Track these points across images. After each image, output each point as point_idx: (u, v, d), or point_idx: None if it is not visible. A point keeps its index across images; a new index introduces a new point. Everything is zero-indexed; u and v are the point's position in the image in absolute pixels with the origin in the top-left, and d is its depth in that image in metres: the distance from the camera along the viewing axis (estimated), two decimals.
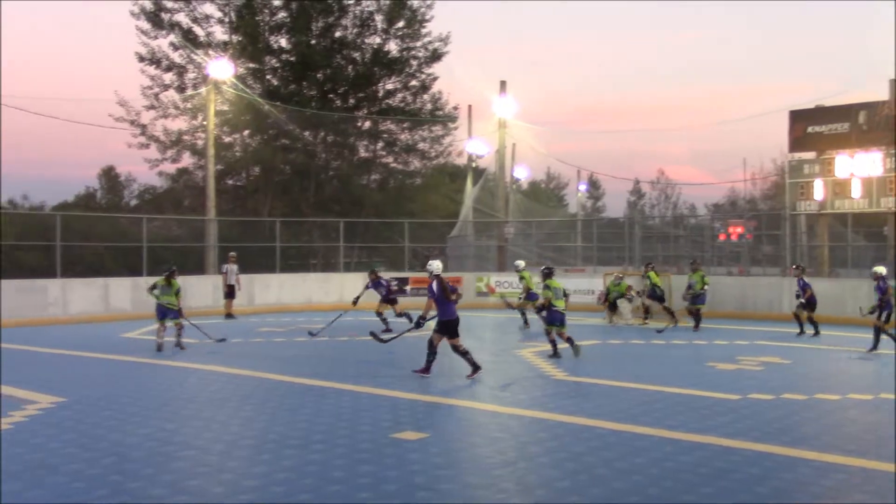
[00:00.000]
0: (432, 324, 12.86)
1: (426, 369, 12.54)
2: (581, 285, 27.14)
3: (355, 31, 40.62)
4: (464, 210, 36.19)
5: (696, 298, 20.19)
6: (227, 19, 39.14)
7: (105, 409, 10.07)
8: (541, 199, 69.02)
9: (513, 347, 16.38)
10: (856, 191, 23.34)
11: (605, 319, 22.09)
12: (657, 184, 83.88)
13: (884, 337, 15.35)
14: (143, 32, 38.15)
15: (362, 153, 43.11)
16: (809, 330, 18.63)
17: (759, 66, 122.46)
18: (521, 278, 20.89)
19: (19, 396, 10.83)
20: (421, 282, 28.27)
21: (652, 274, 21.38)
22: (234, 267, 23.54)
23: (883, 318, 15.44)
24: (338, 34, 40.45)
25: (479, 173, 39.36)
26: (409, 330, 14.17)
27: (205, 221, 28.95)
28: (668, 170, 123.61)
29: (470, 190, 36.96)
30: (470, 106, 40.07)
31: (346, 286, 26.09)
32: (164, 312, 15.70)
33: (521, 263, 21.57)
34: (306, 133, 40.38)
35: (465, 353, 12.53)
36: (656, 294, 21.24)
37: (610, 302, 22.03)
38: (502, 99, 32.60)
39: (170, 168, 40.54)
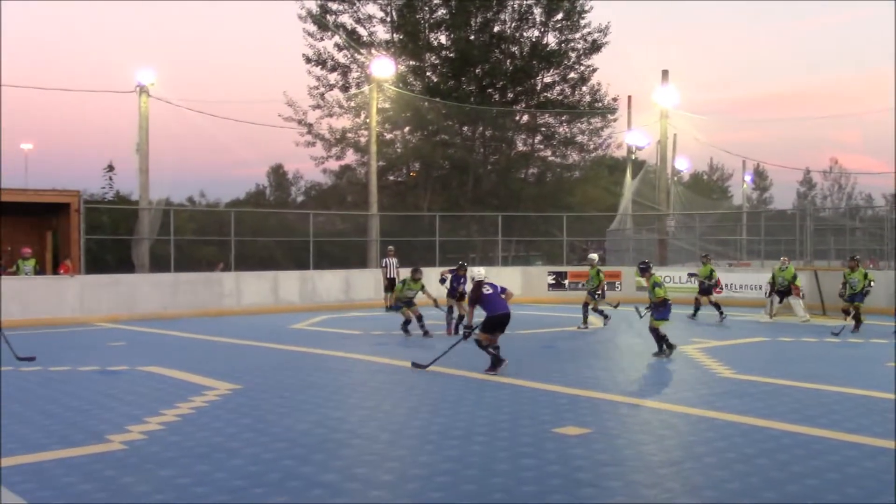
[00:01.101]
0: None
1: (493, 367, 12.18)
2: (747, 280, 26.16)
3: (514, 24, 40.73)
4: (623, 203, 35.57)
5: (854, 296, 18.73)
6: (388, 18, 40.13)
7: (277, 396, 10.52)
8: (703, 191, 66.99)
9: (675, 343, 15.93)
10: None
11: (765, 313, 20.94)
12: (830, 173, 79.80)
13: None
14: (310, 34, 39.70)
15: (520, 147, 43.20)
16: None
17: None
18: (598, 272, 19.78)
19: (200, 383, 11.49)
20: (579, 276, 28.01)
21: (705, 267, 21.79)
22: (394, 260, 24.08)
23: None
24: (496, 29, 40.66)
25: (638, 165, 38.62)
26: (456, 344, 13.20)
27: (367, 216, 29.78)
28: (841, 158, 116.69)
29: (629, 182, 36.30)
30: (630, 97, 39.40)
31: (504, 279, 26.16)
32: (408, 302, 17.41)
33: (594, 257, 20.90)
34: (465, 128, 40.82)
35: (496, 348, 12.26)
36: (704, 286, 21.50)
37: (776, 290, 20.68)
38: (664, 88, 31.79)
39: (334, 165, 42.09)
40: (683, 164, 49.92)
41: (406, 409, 9.88)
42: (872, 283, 19.03)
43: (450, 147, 40.82)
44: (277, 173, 67.71)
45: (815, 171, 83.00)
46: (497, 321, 12.21)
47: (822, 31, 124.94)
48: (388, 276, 23.83)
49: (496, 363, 12.17)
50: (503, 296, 12.39)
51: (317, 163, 41.55)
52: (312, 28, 39.57)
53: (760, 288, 25.07)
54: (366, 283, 25.57)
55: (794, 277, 20.43)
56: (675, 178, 44.31)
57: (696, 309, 21.77)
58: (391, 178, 42.27)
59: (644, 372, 12.92)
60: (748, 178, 68.54)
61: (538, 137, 42.67)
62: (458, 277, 18.41)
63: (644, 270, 14.43)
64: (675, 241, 33.06)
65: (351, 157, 41.23)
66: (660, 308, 13.87)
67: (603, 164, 47.08)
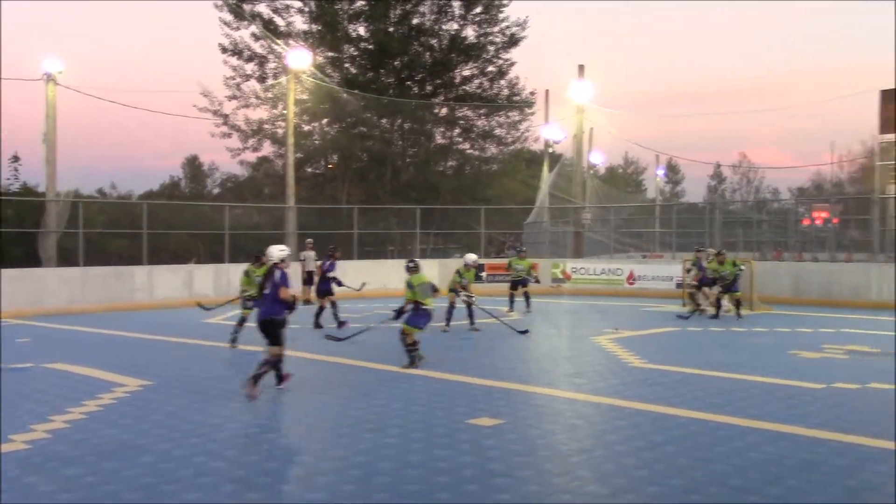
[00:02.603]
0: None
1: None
2: (660, 271, 26.78)
3: (433, 17, 40.69)
4: (540, 196, 36.00)
5: (728, 286, 19.24)
6: (306, 9, 39.66)
7: (189, 391, 10.33)
8: (618, 184, 68.25)
9: (589, 334, 16.22)
10: None
11: (687, 306, 21.10)
12: (739, 167, 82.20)
13: None
14: (226, 24, 38.95)
15: (439, 140, 43.27)
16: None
17: (847, 44, 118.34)
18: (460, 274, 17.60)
19: (109, 380, 11.20)
20: (497, 268, 28.28)
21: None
22: (312, 254, 23.86)
23: None
24: (415, 21, 40.58)
25: (555, 159, 39.12)
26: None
27: (284, 209, 29.44)
28: (750, 153, 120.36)
29: (546, 175, 36.75)
30: (547, 91, 39.90)
31: (423, 272, 26.20)
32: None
33: (471, 257, 18.36)
34: (383, 120, 40.67)
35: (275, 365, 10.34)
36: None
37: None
38: (580, 83, 32.24)
39: (251, 157, 41.46)
40: (599, 158, 50.78)
41: (320, 402, 9.82)
42: (742, 268, 19.63)
43: (368, 139, 40.63)
44: (192, 165, 66.46)
45: (725, 166, 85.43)
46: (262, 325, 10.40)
47: (731, 28, 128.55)
48: (307, 269, 23.59)
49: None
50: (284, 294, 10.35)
51: (233, 154, 40.92)
52: (228, 17, 38.88)
53: (672, 279, 25.72)
54: None
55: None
56: (591, 172, 45.01)
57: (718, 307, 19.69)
58: (309, 170, 41.82)
59: (559, 363, 13.11)
60: (661, 171, 70.19)
61: (457, 130, 42.80)
62: (333, 264, 18.07)
63: (411, 269, 12.88)
64: (591, 234, 33.61)
65: (268, 149, 40.69)
66: (415, 312, 12.34)
67: (520, 157, 47.50)
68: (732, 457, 7.26)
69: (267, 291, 10.27)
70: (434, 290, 12.71)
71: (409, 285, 12.41)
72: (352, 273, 26.39)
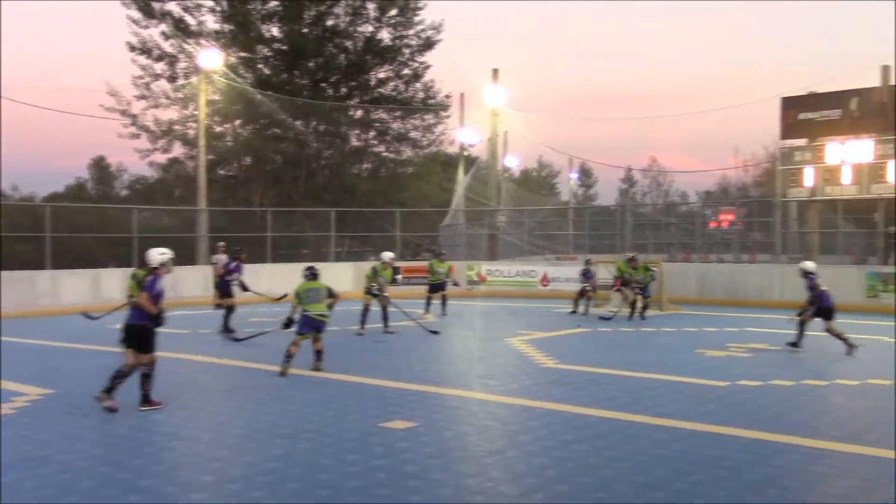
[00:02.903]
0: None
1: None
2: (573, 273, 27.15)
3: (347, 19, 40.50)
4: (455, 199, 36.18)
5: (643, 289, 19.64)
6: (218, 8, 39.00)
7: (94, 400, 10.01)
8: (533, 187, 69.10)
9: (502, 336, 16.37)
10: (846, 177, 23.43)
11: (618, 306, 21.16)
12: (649, 171, 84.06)
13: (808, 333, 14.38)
14: (134, 21, 38.02)
15: (354, 142, 43.10)
16: None
17: (751, 52, 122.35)
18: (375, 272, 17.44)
19: (9, 389, 10.79)
20: (412, 271, 28.29)
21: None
22: (223, 257, 23.43)
23: (809, 313, 14.23)
24: (330, 22, 40.33)
25: (470, 162, 39.36)
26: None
27: (195, 211, 28.87)
28: (659, 157, 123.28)
29: (462, 178, 36.95)
30: (462, 94, 40.01)
31: (338, 276, 26.04)
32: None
33: (388, 255, 18.11)
34: (298, 122, 40.27)
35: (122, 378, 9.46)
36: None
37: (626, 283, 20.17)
38: (494, 87, 32.53)
39: (161, 158, 40.55)
40: (514, 161, 51.35)
41: (231, 408, 9.67)
42: (654, 271, 20.17)
43: (282, 141, 40.17)
44: (99, 166, 64.58)
45: (636, 170, 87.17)
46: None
47: (642, 34, 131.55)
48: (218, 273, 23.08)
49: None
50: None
51: (142, 156, 39.92)
52: (137, 15, 37.94)
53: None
54: (194, 281, 24.76)
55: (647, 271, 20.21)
56: (506, 175, 45.51)
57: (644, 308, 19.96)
58: (221, 172, 41.10)
59: (473, 365, 13.19)
60: (574, 175, 71.34)
61: (372, 133, 42.69)
62: (238, 266, 17.71)
63: (306, 277, 12.57)
64: (506, 236, 33.92)
65: (179, 150, 39.83)
66: (301, 320, 12.14)
67: (436, 160, 47.66)
68: (640, 454, 7.43)
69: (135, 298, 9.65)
70: (331, 294, 12.36)
71: (297, 293, 12.25)
72: (266, 276, 26.19)
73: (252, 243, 28.37)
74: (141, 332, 9.50)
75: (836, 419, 9.13)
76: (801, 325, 14.34)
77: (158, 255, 9.91)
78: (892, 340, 15.66)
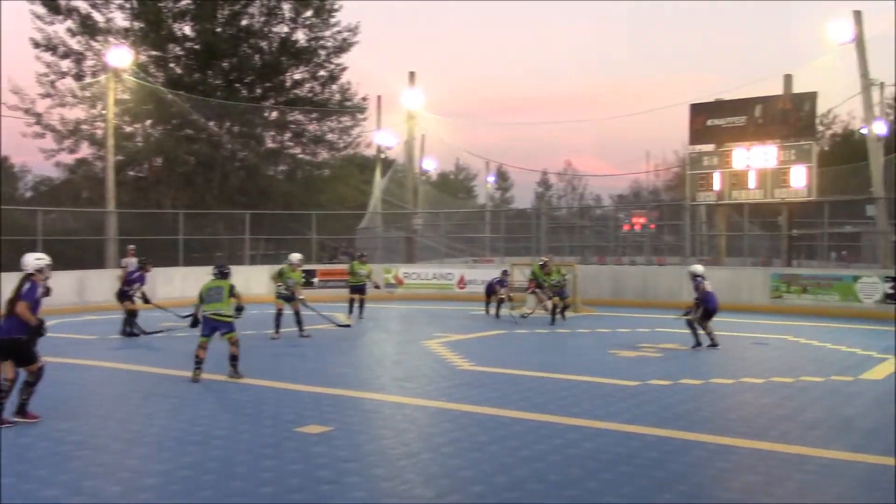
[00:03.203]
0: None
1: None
2: (490, 276, 27.36)
3: (262, 19, 40.01)
4: (372, 201, 36.10)
5: (560, 292, 19.76)
6: (127, 5, 38.03)
7: None
8: (450, 190, 69.39)
9: (419, 338, 16.40)
10: (752, 182, 24.20)
11: (526, 308, 21.16)
12: (564, 175, 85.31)
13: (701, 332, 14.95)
14: (38, 17, 36.78)
15: (269, 144, 42.57)
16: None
17: (663, 59, 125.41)
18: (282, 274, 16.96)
19: None
20: (330, 274, 28.12)
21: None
22: (134, 260, 22.81)
23: (699, 314, 14.87)
24: (244, 22, 39.77)
25: (388, 164, 39.29)
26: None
27: (104, 214, 28.09)
28: (574, 161, 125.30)
29: (379, 181, 36.87)
30: (379, 97, 39.83)
31: (252, 279, 25.70)
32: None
33: (295, 256, 17.40)
34: (211, 123, 39.56)
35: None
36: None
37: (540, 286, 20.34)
38: (411, 90, 32.57)
39: (67, 159, 39.24)
40: (431, 164, 51.41)
41: (142, 415, 9.44)
42: (566, 276, 20.39)
43: (195, 142, 39.38)
44: (2, 166, 62.17)
45: (552, 173, 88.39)
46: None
47: (557, 39, 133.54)
48: (121, 279, 22.33)
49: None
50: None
51: (47, 156, 38.55)
52: (41, 10, 36.72)
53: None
54: (102, 285, 24.06)
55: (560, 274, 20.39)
56: (423, 178, 45.58)
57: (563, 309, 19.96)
58: (131, 173, 40.04)
59: (389, 368, 13.18)
60: (491, 178, 71.88)
61: (288, 134, 42.25)
62: (142, 276, 17.40)
63: (215, 275, 12.37)
64: (423, 239, 34.01)
65: (86, 151, 38.62)
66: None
67: (353, 162, 47.46)
68: (553, 454, 7.54)
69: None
70: (232, 294, 11.87)
71: (199, 293, 12.05)
72: (178, 279, 25.67)
73: (164, 246, 27.76)
74: (17, 346, 8.72)
75: (742, 416, 9.42)
76: (692, 326, 14.98)
77: (35, 260, 9.20)
78: (796, 340, 16.24)
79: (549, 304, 19.56)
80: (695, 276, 15.26)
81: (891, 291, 20.87)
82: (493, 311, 20.90)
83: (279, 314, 16.79)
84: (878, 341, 15.85)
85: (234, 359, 11.74)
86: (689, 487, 6.65)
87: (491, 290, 21.31)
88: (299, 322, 16.68)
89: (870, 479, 6.93)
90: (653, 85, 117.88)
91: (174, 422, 8.95)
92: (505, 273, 21.97)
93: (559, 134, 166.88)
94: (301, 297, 16.75)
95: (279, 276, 16.88)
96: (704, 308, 14.80)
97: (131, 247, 23.45)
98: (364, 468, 7.18)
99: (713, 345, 14.78)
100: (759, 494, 6.50)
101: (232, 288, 11.90)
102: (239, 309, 11.88)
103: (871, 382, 11.43)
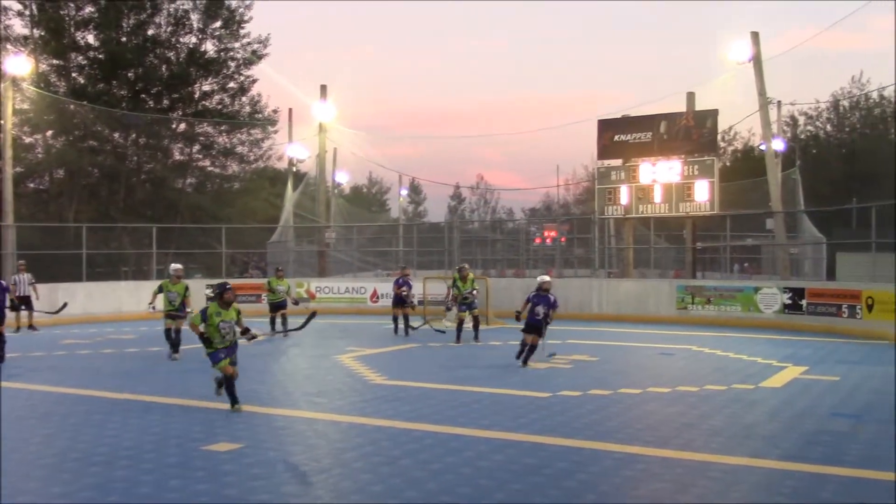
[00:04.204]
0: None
1: None
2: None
3: (169, 29, 39.30)
4: (284, 215, 35.67)
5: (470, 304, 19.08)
6: (27, 12, 36.83)
7: None
8: (363, 203, 69.23)
9: (332, 353, 16.27)
10: (657, 196, 24.83)
11: (446, 321, 21.00)
12: (477, 189, 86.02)
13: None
14: None
15: (177, 156, 41.75)
16: None
17: (574, 75, 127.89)
18: (185, 288, 16.02)
19: None
20: (240, 289, 27.67)
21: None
22: (25, 276, 21.96)
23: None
24: (150, 32, 38.99)
25: (299, 178, 38.94)
26: None
27: (1, 228, 27.03)
28: (487, 175, 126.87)
29: (290, 194, 36.47)
30: (290, 109, 39.61)
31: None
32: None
33: (174, 266, 16.56)
34: (116, 134, 38.58)
35: None
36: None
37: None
38: (322, 103, 32.40)
39: None
40: (343, 178, 51.20)
41: (41, 436, 9.09)
42: (477, 289, 20.07)
43: (99, 154, 38.34)
44: None
45: (464, 187, 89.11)
46: None
47: (470, 54, 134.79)
48: (19, 293, 21.34)
49: None
50: None
51: None
52: None
53: (415, 297, 26.40)
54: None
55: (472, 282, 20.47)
56: (336, 191, 45.33)
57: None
58: (31, 185, 38.74)
59: (301, 383, 13.04)
60: (404, 191, 71.96)
61: (196, 147, 41.54)
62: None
63: None
64: (335, 253, 33.79)
65: None
66: None
67: (264, 175, 46.93)
68: (463, 466, 7.57)
69: None
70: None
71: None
72: (81, 295, 24.87)
73: (66, 261, 26.89)
74: None
75: (649, 425, 9.63)
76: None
77: None
78: (700, 349, 16.71)
79: (468, 317, 18.84)
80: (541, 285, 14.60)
81: (789, 302, 21.67)
82: (402, 324, 20.02)
83: (168, 332, 15.54)
84: (777, 350, 16.44)
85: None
86: (598, 496, 6.76)
87: (399, 299, 20.31)
88: (178, 342, 15.44)
89: (769, 483, 7.17)
90: (564, 100, 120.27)
91: (75, 442, 8.65)
92: (404, 269, 21.51)
93: (472, 148, 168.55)
94: (189, 310, 15.48)
95: (160, 290, 15.84)
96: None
97: (21, 262, 22.57)
98: (274, 485, 7.08)
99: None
100: (665, 500, 6.65)
101: (238, 313, 10.67)
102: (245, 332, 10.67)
103: (771, 390, 11.84)
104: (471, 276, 19.54)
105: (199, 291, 27.17)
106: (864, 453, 8.06)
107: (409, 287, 20.51)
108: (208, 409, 10.42)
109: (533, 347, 14.17)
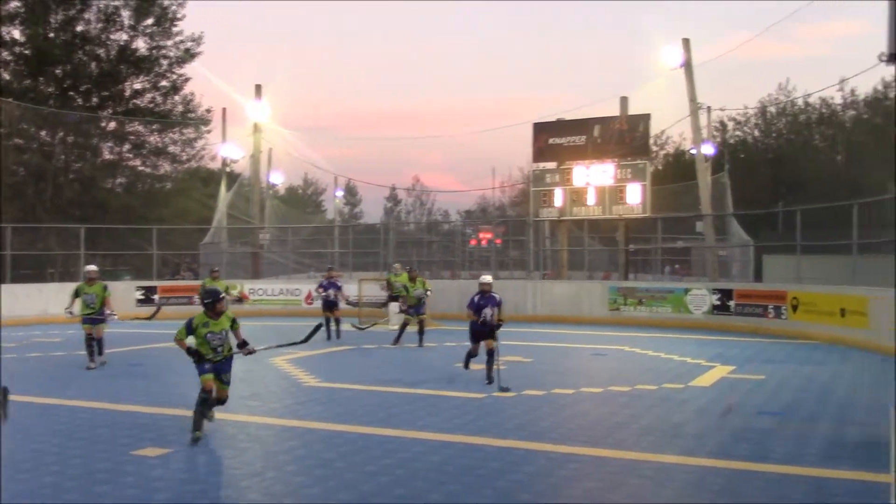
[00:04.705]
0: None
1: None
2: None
3: (99, 25, 38.41)
4: (217, 216, 35.16)
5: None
6: None
7: None
8: (298, 205, 68.55)
9: (265, 356, 16.08)
10: (591, 198, 25.16)
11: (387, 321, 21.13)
12: (413, 190, 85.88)
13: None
14: None
15: (107, 155, 40.82)
16: None
17: (510, 78, 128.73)
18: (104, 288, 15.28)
19: None
20: (171, 291, 27.24)
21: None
22: None
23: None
24: (80, 28, 38.05)
25: (233, 178, 38.45)
26: None
27: None
28: (423, 177, 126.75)
29: (224, 195, 35.95)
30: (224, 109, 39.11)
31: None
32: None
33: (89, 269, 15.85)
34: (43, 132, 37.56)
35: None
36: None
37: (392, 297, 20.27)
38: (257, 103, 32.06)
39: None
40: (279, 178, 50.61)
41: None
42: (429, 292, 19.90)
43: (25, 152, 37.28)
44: None
45: (400, 189, 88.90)
46: None
47: (407, 56, 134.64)
48: None
49: None
50: None
51: None
52: None
53: (349, 298, 26.34)
54: None
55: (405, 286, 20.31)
56: (270, 192, 44.86)
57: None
58: None
59: (234, 386, 12.80)
60: (339, 193, 71.57)
61: (127, 146, 40.70)
62: None
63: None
64: (270, 254, 33.43)
65: None
66: None
67: (197, 175, 46.19)
68: (398, 468, 7.56)
69: None
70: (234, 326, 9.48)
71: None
72: (5, 298, 24.09)
73: None
74: None
75: (582, 425, 9.75)
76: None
77: None
78: (632, 350, 16.97)
79: (415, 321, 18.39)
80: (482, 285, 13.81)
81: (718, 303, 22.15)
82: (334, 326, 19.45)
83: (89, 339, 14.75)
84: (706, 350, 16.79)
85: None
86: (532, 496, 6.82)
87: (327, 303, 19.72)
88: (98, 350, 14.77)
89: (698, 480, 7.32)
90: (501, 104, 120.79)
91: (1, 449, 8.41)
92: (330, 270, 20.93)
93: (409, 150, 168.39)
94: (109, 311, 14.93)
95: (77, 294, 15.05)
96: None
97: None
98: (205, 489, 6.99)
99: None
100: (597, 499, 6.74)
101: (234, 322, 9.56)
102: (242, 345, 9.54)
103: (700, 389, 12.09)
104: (420, 277, 19.51)
105: (129, 293, 26.70)
106: (789, 450, 8.29)
107: (337, 289, 20.07)
108: (137, 414, 10.23)
109: (491, 352, 12.61)
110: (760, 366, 14.49)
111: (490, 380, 12.36)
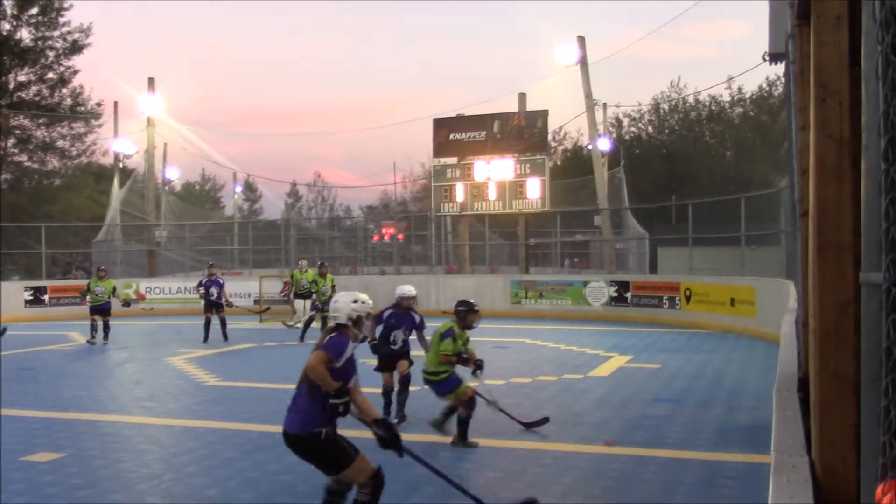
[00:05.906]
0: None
1: None
2: (238, 288, 26.77)
3: None
4: (110, 213, 34.09)
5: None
6: None
7: None
8: (196, 201, 67.03)
9: (164, 356, 15.71)
10: (492, 193, 25.43)
11: (293, 320, 20.71)
12: (314, 186, 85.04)
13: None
14: None
15: None
16: None
17: (410, 75, 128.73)
18: None
19: None
20: (62, 291, 26.29)
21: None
22: None
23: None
24: None
25: (127, 174, 37.33)
26: None
27: None
28: (324, 173, 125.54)
29: (117, 191, 34.86)
30: (116, 103, 37.81)
31: None
32: None
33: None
34: None
35: None
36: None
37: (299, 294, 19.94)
38: (151, 96, 31.20)
39: None
40: (175, 174, 49.44)
41: None
42: (334, 287, 19.70)
43: None
44: None
45: (301, 184, 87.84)
46: None
47: (306, 52, 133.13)
48: None
49: None
50: None
51: None
52: None
53: (250, 296, 25.97)
54: None
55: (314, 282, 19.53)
56: (166, 188, 43.75)
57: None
58: None
59: (130, 388, 12.51)
60: (238, 189, 70.32)
61: (12, 140, 39.07)
62: None
63: None
64: (166, 252, 32.62)
65: None
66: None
67: (88, 171, 44.70)
68: (301, 465, 7.44)
69: None
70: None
71: None
72: None
73: None
74: None
75: (484, 417, 9.83)
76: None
77: None
78: (533, 342, 17.24)
79: (320, 317, 18.03)
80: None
81: (615, 295, 22.71)
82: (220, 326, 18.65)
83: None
84: (605, 341, 17.21)
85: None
86: (436, 489, 6.86)
87: (209, 302, 18.90)
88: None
89: (597, 467, 7.50)
90: (402, 99, 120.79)
91: None
92: (211, 268, 19.89)
93: (309, 146, 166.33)
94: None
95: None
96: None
97: None
98: (101, 494, 6.78)
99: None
100: (498, 489, 6.83)
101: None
102: None
103: (599, 379, 12.39)
104: (329, 275, 19.34)
105: (17, 294, 25.63)
106: (682, 436, 8.57)
107: (220, 286, 19.23)
108: (26, 419, 9.84)
109: (406, 379, 9.96)
110: (656, 355, 14.93)
111: (401, 418, 9.66)
